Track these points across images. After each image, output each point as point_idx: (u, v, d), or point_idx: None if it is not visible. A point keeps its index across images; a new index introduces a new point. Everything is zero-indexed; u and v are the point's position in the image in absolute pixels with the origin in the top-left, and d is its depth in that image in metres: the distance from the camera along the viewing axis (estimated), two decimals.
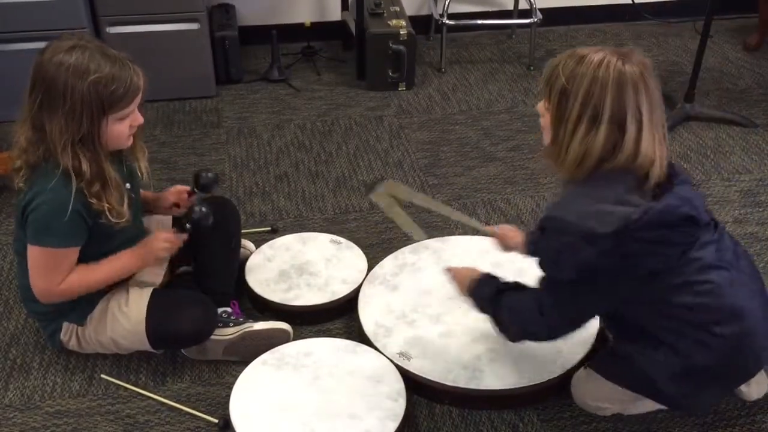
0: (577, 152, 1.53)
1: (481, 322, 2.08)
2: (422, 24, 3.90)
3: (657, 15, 4.01)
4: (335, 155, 3.01)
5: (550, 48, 3.89)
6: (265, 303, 2.19)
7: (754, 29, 3.87)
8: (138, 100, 1.77)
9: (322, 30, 3.79)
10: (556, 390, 1.96)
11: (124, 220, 1.81)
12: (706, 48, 3.04)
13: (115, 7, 3.12)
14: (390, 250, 2.38)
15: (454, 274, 1.94)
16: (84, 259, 1.84)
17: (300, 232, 2.48)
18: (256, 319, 2.09)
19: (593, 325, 2.05)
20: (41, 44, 1.74)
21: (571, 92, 1.52)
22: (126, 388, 2.00)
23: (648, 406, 1.89)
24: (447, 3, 3.57)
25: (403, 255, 2.34)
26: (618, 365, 1.79)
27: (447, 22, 3.57)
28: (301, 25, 3.70)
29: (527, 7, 3.72)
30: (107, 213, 1.77)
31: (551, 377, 1.92)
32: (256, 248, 2.37)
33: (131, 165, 1.94)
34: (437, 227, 2.60)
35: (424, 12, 3.95)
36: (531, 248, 1.76)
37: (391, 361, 1.96)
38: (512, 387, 1.91)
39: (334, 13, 3.82)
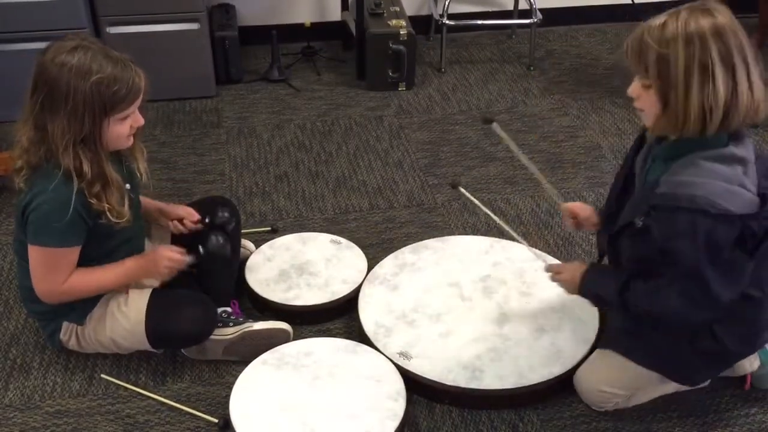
0: (699, 108, 1.47)
1: (481, 322, 2.09)
2: (422, 24, 3.90)
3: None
4: (335, 155, 3.01)
5: (550, 48, 3.89)
6: (265, 303, 2.19)
7: (754, 29, 3.87)
8: (139, 101, 1.77)
9: (322, 30, 3.79)
10: (556, 390, 1.96)
11: (124, 220, 1.81)
12: None
13: (115, 7, 3.11)
14: (390, 250, 2.38)
15: (559, 273, 1.86)
16: (83, 259, 1.84)
17: (300, 232, 2.48)
18: (256, 319, 2.09)
19: (594, 324, 2.05)
20: (41, 44, 1.75)
21: (670, 55, 1.47)
22: (126, 388, 2.00)
23: (652, 393, 1.90)
24: (447, 3, 3.57)
25: (403, 255, 2.34)
26: (631, 339, 1.79)
27: (447, 22, 3.56)
28: (301, 25, 3.70)
29: (527, 7, 3.72)
30: (107, 213, 1.77)
31: (551, 377, 1.92)
32: (256, 248, 2.37)
33: (130, 165, 1.94)
34: (437, 227, 2.60)
35: (424, 12, 3.95)
36: (647, 226, 1.59)
37: (391, 360, 1.96)
38: (512, 387, 1.91)
39: (334, 13, 3.82)
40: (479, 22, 3.89)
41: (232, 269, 2.20)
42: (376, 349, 2.01)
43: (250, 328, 2.04)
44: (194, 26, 3.21)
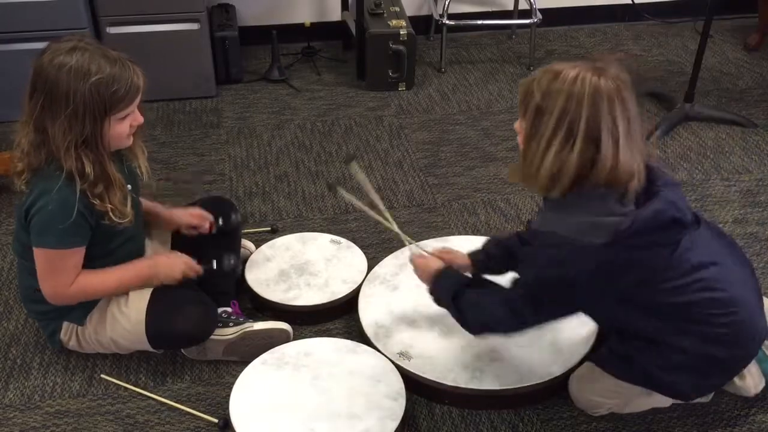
0: (550, 169, 1.52)
1: None
2: (422, 24, 3.90)
3: (657, 15, 4.01)
4: (335, 155, 3.01)
5: (550, 48, 3.89)
6: (265, 303, 2.19)
7: (754, 29, 3.87)
8: (138, 99, 1.77)
9: (322, 30, 3.79)
10: (556, 390, 1.96)
11: (127, 220, 1.81)
12: (706, 48, 3.04)
13: (115, 7, 3.11)
14: (390, 250, 2.38)
15: (418, 264, 1.93)
16: (85, 259, 1.84)
17: (300, 232, 2.48)
18: (256, 319, 2.09)
19: (593, 323, 2.05)
20: (41, 44, 1.74)
21: (546, 109, 1.51)
22: (126, 388, 2.00)
23: (645, 404, 1.89)
24: (447, 3, 3.57)
25: (403, 255, 2.33)
26: (620, 362, 1.79)
27: (447, 22, 3.56)
28: (301, 25, 3.70)
29: (527, 7, 3.72)
30: (110, 214, 1.77)
31: (551, 377, 1.92)
32: (256, 248, 2.37)
33: (131, 165, 1.94)
34: (437, 227, 2.60)
35: (424, 12, 3.95)
36: (520, 263, 1.79)
37: (391, 360, 1.96)
38: (512, 387, 1.91)
39: (334, 13, 3.82)
40: (479, 22, 3.89)
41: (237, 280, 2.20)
42: (376, 349, 2.01)
43: (251, 328, 2.04)
44: (194, 26, 3.21)
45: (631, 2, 3.97)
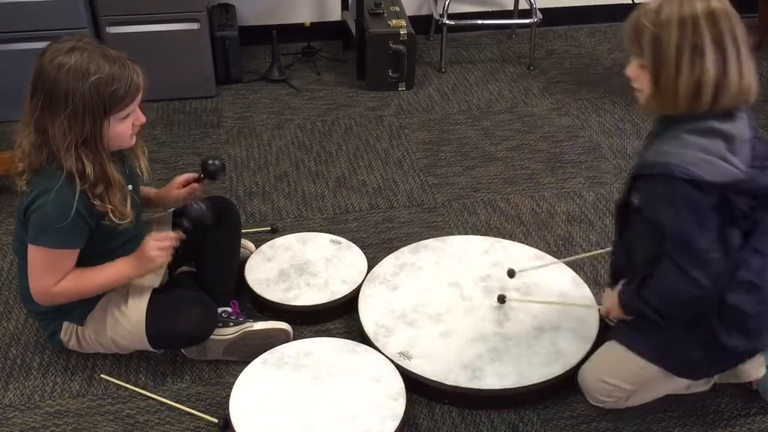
0: (688, 87, 1.53)
1: (480, 322, 2.09)
2: (422, 24, 3.90)
3: None
4: (335, 155, 3.01)
5: (550, 48, 3.89)
6: (265, 303, 2.19)
7: (754, 29, 3.87)
8: (139, 99, 1.77)
9: (322, 30, 3.79)
10: (556, 390, 1.96)
11: (127, 221, 1.81)
12: None
13: (115, 7, 3.11)
14: (390, 250, 2.38)
15: (609, 311, 1.87)
16: (85, 259, 1.84)
17: (300, 232, 2.48)
18: (256, 319, 2.09)
19: (594, 323, 2.05)
20: (41, 44, 1.74)
21: (663, 35, 1.53)
22: (126, 388, 2.00)
23: (651, 393, 1.89)
24: (447, 3, 3.57)
25: (403, 255, 2.33)
26: (642, 333, 1.78)
27: (447, 22, 3.56)
28: (301, 25, 3.70)
29: (527, 7, 3.72)
30: (110, 214, 1.77)
31: (551, 377, 1.92)
32: (256, 248, 2.37)
33: (131, 165, 1.94)
34: (437, 227, 2.60)
35: (424, 12, 3.95)
36: (639, 201, 1.69)
37: (392, 360, 1.96)
38: (512, 387, 1.91)
39: (334, 13, 3.82)
40: (479, 22, 3.89)
41: (232, 269, 2.20)
42: (376, 349, 2.01)
43: (251, 328, 2.04)
44: (194, 26, 3.21)
45: (631, 2, 3.97)
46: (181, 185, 2.12)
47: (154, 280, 2.01)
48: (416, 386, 1.94)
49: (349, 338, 2.07)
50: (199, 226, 1.96)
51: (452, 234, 2.53)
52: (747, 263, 1.65)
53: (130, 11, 3.13)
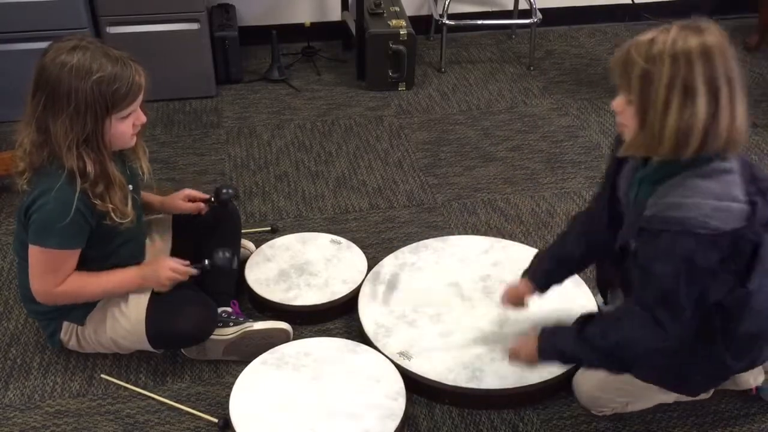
0: (675, 130, 1.43)
1: (480, 322, 2.09)
2: (422, 24, 3.90)
3: (657, 15, 4.00)
4: (335, 155, 3.01)
5: (550, 48, 3.89)
6: (265, 303, 2.19)
7: (754, 29, 3.87)
8: (140, 98, 1.77)
9: (322, 30, 3.79)
10: (556, 390, 1.96)
11: (128, 220, 1.81)
12: None
13: (115, 7, 3.11)
14: (390, 250, 2.38)
15: (515, 352, 1.80)
16: (85, 260, 1.84)
17: (300, 232, 2.48)
18: (256, 319, 2.09)
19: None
20: (41, 44, 1.75)
21: (654, 72, 1.43)
22: (126, 388, 2.00)
23: (650, 401, 1.89)
24: (447, 3, 3.57)
25: (403, 255, 2.34)
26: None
27: (447, 22, 3.56)
28: (301, 25, 3.70)
29: (527, 7, 3.72)
30: (111, 214, 1.77)
31: (551, 377, 1.92)
32: (256, 248, 2.37)
33: (132, 166, 1.94)
34: (437, 227, 2.60)
35: (424, 12, 3.95)
36: (636, 251, 1.59)
37: (391, 360, 1.96)
38: (512, 387, 1.91)
39: (334, 13, 3.82)
40: (479, 22, 3.89)
41: (232, 269, 2.20)
42: (376, 348, 2.01)
43: (251, 328, 2.04)
44: (194, 26, 3.21)
45: (631, 2, 3.98)
46: (187, 198, 2.12)
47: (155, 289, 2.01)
48: (416, 386, 1.94)
49: (349, 338, 2.07)
50: (219, 272, 1.98)
51: (452, 234, 2.53)
52: (760, 290, 1.58)
53: (130, 11, 3.13)
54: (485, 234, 2.51)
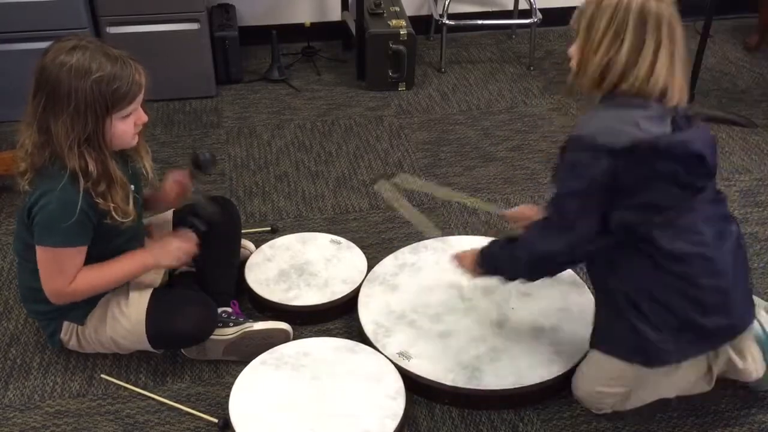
0: (599, 64, 1.68)
1: (480, 322, 2.09)
2: (422, 24, 3.90)
3: None
4: (335, 155, 3.01)
5: (550, 48, 3.89)
6: (265, 303, 2.19)
7: (754, 29, 3.87)
8: (141, 97, 1.77)
9: (322, 30, 3.79)
10: (556, 390, 1.96)
11: (130, 219, 1.81)
12: (706, 48, 3.05)
13: (115, 7, 3.12)
14: (390, 250, 2.38)
15: (460, 258, 1.98)
16: (86, 259, 1.84)
17: (300, 232, 2.48)
18: (256, 319, 2.09)
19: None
20: (41, 44, 1.75)
21: (596, 18, 1.69)
22: (126, 388, 2.00)
23: (647, 396, 1.89)
24: (447, 3, 3.57)
25: (403, 255, 2.33)
26: (610, 331, 1.80)
27: (447, 22, 3.56)
28: (301, 25, 3.70)
29: (527, 7, 3.72)
30: (113, 212, 1.77)
31: (551, 377, 1.92)
32: (256, 248, 2.37)
33: (134, 166, 1.94)
34: (437, 227, 2.60)
35: (424, 12, 3.95)
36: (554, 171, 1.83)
37: (391, 360, 1.96)
38: (512, 387, 1.91)
39: (334, 13, 3.82)
40: (479, 22, 3.89)
41: (233, 269, 2.20)
42: (376, 348, 2.00)
43: (251, 328, 2.04)
44: (194, 26, 3.21)
45: None
46: (172, 187, 2.12)
47: (155, 279, 2.01)
48: (416, 386, 1.94)
49: (348, 338, 2.07)
50: (208, 218, 2.03)
51: (452, 234, 2.53)
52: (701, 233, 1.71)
53: (130, 11, 3.13)
54: (485, 234, 2.51)
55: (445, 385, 1.92)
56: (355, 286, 2.22)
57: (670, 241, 1.68)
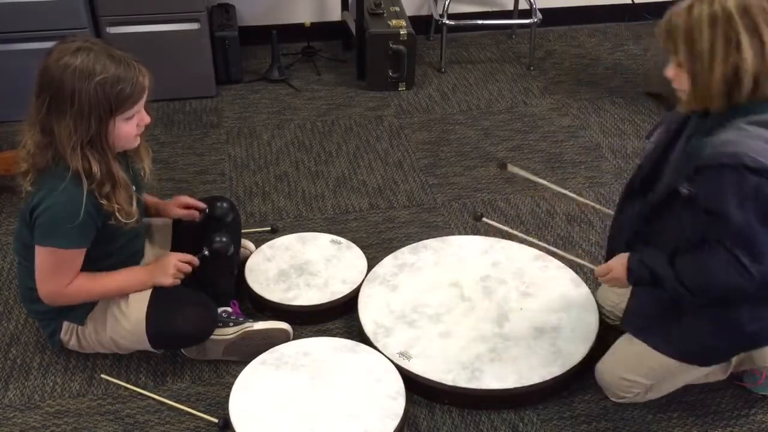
0: (723, 77, 1.53)
1: (480, 322, 2.09)
2: (422, 24, 3.90)
3: (657, 15, 3.97)
4: (335, 155, 3.01)
5: (550, 48, 3.89)
6: (265, 303, 2.19)
7: None
8: (144, 99, 1.77)
9: (322, 30, 3.79)
10: (556, 390, 1.96)
11: (133, 220, 1.81)
12: None
13: (115, 7, 3.11)
14: (390, 250, 2.38)
15: (605, 271, 1.82)
16: (86, 259, 1.83)
17: (300, 232, 2.48)
18: (256, 319, 2.09)
19: (594, 324, 2.05)
20: (41, 44, 1.75)
21: (695, 29, 1.53)
22: (126, 388, 2.00)
23: (671, 384, 1.89)
24: (447, 3, 3.57)
25: (403, 255, 2.34)
26: (669, 327, 1.77)
27: (447, 22, 3.56)
28: (301, 25, 3.70)
29: (527, 7, 3.72)
30: (117, 213, 1.77)
31: (551, 377, 1.92)
32: (256, 248, 2.37)
33: (134, 166, 1.94)
34: (437, 227, 2.60)
35: (424, 12, 3.95)
36: (693, 193, 1.62)
37: (391, 360, 1.96)
38: (512, 387, 1.91)
39: (334, 13, 3.82)
40: (479, 22, 3.89)
41: (233, 269, 2.20)
42: (376, 348, 2.00)
43: (251, 328, 2.04)
44: (194, 26, 3.21)
45: (631, 2, 3.98)
46: (182, 206, 2.12)
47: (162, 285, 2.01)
48: (416, 386, 1.94)
49: (348, 338, 2.07)
50: (218, 258, 2.02)
51: (452, 234, 2.53)
52: None
53: (131, 11, 3.13)
54: (485, 234, 2.51)
55: (445, 385, 1.92)
56: (355, 286, 2.22)
57: None
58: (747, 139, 1.53)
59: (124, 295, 1.92)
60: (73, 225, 1.73)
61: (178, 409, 1.94)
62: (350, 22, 3.58)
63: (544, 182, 2.13)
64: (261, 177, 2.88)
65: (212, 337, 2.01)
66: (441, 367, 1.95)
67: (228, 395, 1.88)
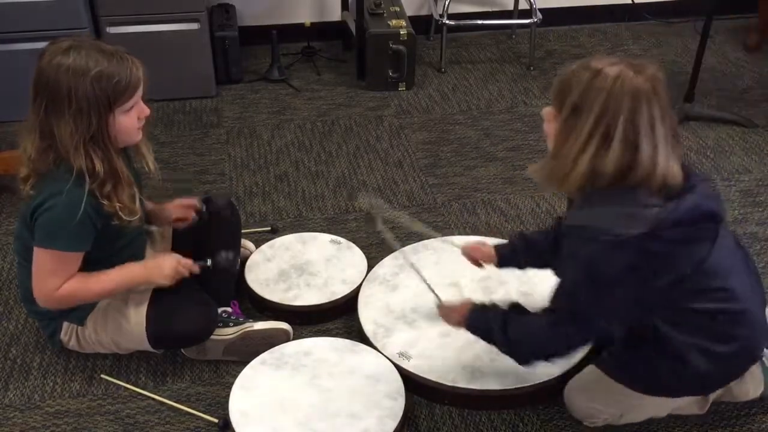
0: (585, 171, 1.49)
1: None
2: (422, 24, 3.90)
3: (657, 15, 4.00)
4: (335, 155, 3.01)
5: (550, 48, 3.89)
6: (265, 303, 2.19)
7: (754, 29, 3.87)
8: (140, 90, 1.76)
9: (322, 30, 3.79)
10: (556, 390, 1.96)
11: (136, 217, 1.81)
12: (706, 48, 3.04)
13: (115, 7, 3.12)
14: (390, 250, 2.38)
15: (442, 312, 1.89)
16: (87, 261, 1.83)
17: (300, 232, 2.48)
18: (256, 319, 2.09)
19: None
20: (41, 44, 1.75)
21: (584, 108, 1.48)
22: (126, 388, 2.00)
23: (643, 414, 1.87)
24: (447, 3, 3.57)
25: (402, 256, 2.33)
26: (625, 368, 1.77)
27: (447, 22, 3.56)
28: (301, 25, 3.70)
29: (527, 7, 3.72)
30: (119, 212, 1.77)
31: (551, 377, 1.92)
32: (256, 248, 2.37)
33: (136, 166, 1.94)
34: (437, 228, 2.60)
35: (424, 12, 3.95)
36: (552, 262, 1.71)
37: (391, 360, 1.96)
38: (512, 387, 1.91)
39: (334, 13, 3.82)
40: (479, 22, 3.89)
41: (234, 273, 2.20)
42: (376, 348, 2.00)
43: (251, 328, 2.04)
44: (194, 26, 3.21)
45: (631, 2, 3.98)
46: (176, 214, 2.10)
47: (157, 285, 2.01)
48: (416, 386, 1.94)
49: (348, 338, 2.07)
50: (220, 273, 2.00)
51: (452, 234, 2.53)
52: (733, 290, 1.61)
53: (130, 11, 3.13)
54: (485, 234, 2.51)
55: (445, 385, 1.91)
56: (355, 286, 2.22)
57: (697, 300, 1.59)
58: (598, 208, 1.53)
59: (121, 292, 1.92)
60: (72, 227, 1.73)
61: (178, 409, 1.94)
62: (350, 22, 3.58)
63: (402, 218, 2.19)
64: (261, 177, 2.88)
65: (212, 337, 2.01)
66: (441, 368, 1.95)
67: (228, 395, 1.88)
